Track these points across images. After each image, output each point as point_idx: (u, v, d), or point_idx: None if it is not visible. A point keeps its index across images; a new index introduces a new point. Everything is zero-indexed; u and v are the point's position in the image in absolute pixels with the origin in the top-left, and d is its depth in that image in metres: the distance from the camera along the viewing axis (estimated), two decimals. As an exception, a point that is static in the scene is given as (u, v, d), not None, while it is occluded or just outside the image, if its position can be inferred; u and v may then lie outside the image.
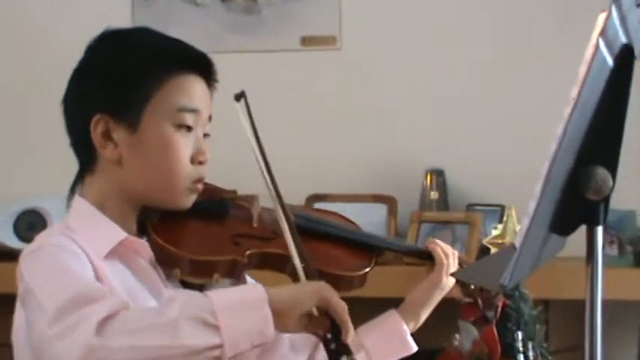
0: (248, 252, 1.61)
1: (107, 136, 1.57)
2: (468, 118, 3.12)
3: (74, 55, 1.63)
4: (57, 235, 1.53)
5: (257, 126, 1.62)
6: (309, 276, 1.55)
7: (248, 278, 1.71)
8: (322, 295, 1.45)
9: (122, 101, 1.56)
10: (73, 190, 1.63)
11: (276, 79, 3.23)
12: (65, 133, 1.62)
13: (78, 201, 1.60)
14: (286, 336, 1.71)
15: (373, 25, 3.18)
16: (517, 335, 2.08)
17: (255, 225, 1.68)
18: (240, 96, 1.63)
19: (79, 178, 1.62)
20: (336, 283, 1.61)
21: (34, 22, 3.38)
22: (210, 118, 1.63)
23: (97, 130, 1.56)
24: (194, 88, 1.60)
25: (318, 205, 3.08)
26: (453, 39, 3.13)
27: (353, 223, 1.85)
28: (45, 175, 3.23)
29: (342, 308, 1.46)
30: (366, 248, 1.78)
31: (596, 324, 1.34)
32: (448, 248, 1.83)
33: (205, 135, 1.63)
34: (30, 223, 3.04)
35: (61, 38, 3.24)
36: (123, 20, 3.17)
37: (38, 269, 1.46)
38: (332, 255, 1.72)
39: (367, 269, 1.73)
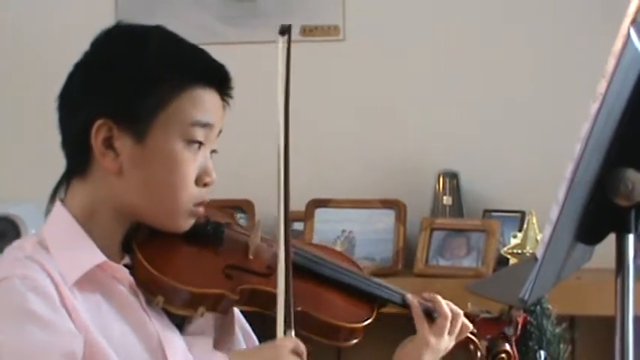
0: (240, 287, 1.60)
1: (108, 143, 1.54)
2: (484, 116, 3.11)
3: (53, 46, 1.62)
4: (25, 260, 1.50)
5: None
6: (287, 327, 1.54)
7: (237, 312, 1.70)
8: None
9: (131, 108, 1.54)
10: (54, 194, 1.61)
11: (273, 72, 3.21)
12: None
13: (59, 210, 1.58)
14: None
15: (380, 14, 3.18)
16: (539, 355, 2.08)
17: (251, 257, 1.66)
18: (286, 30, 1.62)
19: (64, 182, 1.60)
20: (332, 332, 1.65)
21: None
22: (219, 133, 1.63)
23: (98, 136, 1.54)
24: (210, 101, 1.59)
25: (319, 212, 3.08)
26: (468, 31, 3.12)
27: (357, 265, 1.85)
28: (17, 180, 3.22)
29: None
30: (369, 298, 1.76)
31: (628, 343, 1.33)
32: (449, 309, 1.79)
33: (212, 151, 1.62)
34: (1, 232, 3.02)
35: (41, 27, 3.23)
36: (106, 6, 3.17)
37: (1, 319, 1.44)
38: (331, 302, 1.71)
39: (367, 322, 1.72)
